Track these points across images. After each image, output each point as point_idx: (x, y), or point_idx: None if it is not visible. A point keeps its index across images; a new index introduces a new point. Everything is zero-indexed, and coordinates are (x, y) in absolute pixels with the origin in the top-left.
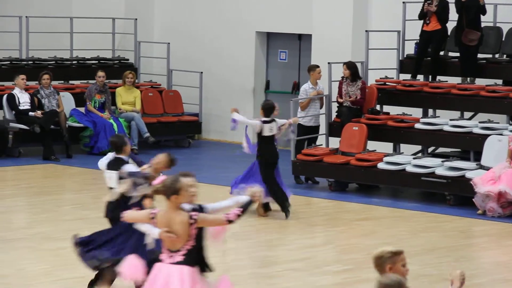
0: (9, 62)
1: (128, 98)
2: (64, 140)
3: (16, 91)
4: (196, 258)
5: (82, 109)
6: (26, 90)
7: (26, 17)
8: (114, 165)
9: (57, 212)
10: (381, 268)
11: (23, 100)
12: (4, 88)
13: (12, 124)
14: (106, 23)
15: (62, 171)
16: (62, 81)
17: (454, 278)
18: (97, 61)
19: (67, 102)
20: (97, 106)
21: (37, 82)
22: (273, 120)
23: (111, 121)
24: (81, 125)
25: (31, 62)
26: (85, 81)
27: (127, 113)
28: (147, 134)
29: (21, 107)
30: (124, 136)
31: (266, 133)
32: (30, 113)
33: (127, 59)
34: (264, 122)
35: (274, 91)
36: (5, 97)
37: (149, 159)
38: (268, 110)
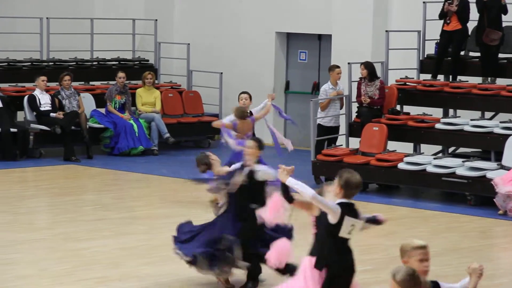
0: (30, 63)
1: (148, 99)
2: (84, 141)
3: (37, 92)
4: None
5: (102, 110)
6: (47, 91)
7: (47, 18)
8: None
9: (78, 212)
10: (401, 259)
11: (44, 101)
12: (25, 90)
13: (33, 125)
14: (126, 24)
15: (82, 172)
16: (83, 82)
17: (472, 271)
18: (117, 62)
19: (88, 103)
20: (117, 107)
21: (57, 83)
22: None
23: (131, 122)
24: (102, 126)
25: (52, 63)
26: (106, 82)
27: (147, 114)
28: (167, 135)
29: (42, 108)
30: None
31: None
32: (51, 114)
33: (147, 60)
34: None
35: (294, 92)
36: (26, 98)
37: (169, 159)
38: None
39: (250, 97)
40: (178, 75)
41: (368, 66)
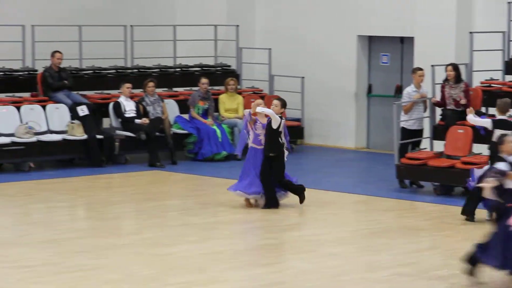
0: (114, 71)
1: (230, 105)
2: (168, 146)
3: (122, 99)
4: None
5: (186, 116)
6: (132, 97)
7: (131, 26)
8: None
9: (164, 218)
10: None
11: (129, 107)
12: (110, 97)
13: (118, 132)
14: (208, 30)
15: (167, 177)
16: (166, 89)
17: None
18: (200, 68)
19: (171, 109)
20: (200, 112)
21: (142, 89)
22: None
23: (215, 127)
24: (185, 131)
25: (136, 70)
26: (189, 88)
27: (230, 120)
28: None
29: (126, 115)
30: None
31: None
32: (136, 120)
33: (229, 66)
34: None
35: (377, 95)
36: (111, 105)
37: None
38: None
39: (282, 104)
40: (259, 80)
41: (456, 68)
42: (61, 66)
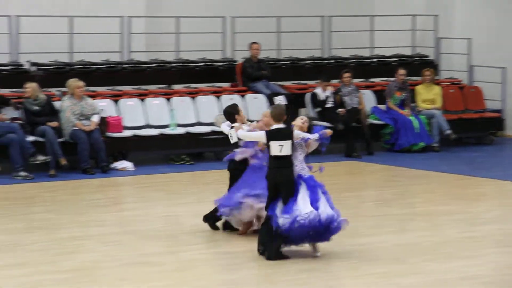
0: (311, 61)
1: (427, 96)
2: (365, 137)
3: (318, 90)
4: None
5: (382, 107)
6: (326, 89)
7: (329, 16)
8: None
9: (361, 208)
10: None
11: (326, 98)
12: (307, 87)
13: (315, 122)
14: (406, 20)
15: (363, 168)
16: (363, 79)
17: None
18: (397, 59)
19: (368, 99)
20: (397, 103)
21: (338, 80)
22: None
23: (412, 118)
24: (382, 122)
25: (333, 60)
26: (385, 79)
27: (428, 110)
28: (449, 131)
29: (325, 106)
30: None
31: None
32: (339, 110)
33: (427, 56)
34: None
35: None
36: (308, 95)
37: (450, 156)
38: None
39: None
40: (459, 71)
41: None
42: (260, 57)
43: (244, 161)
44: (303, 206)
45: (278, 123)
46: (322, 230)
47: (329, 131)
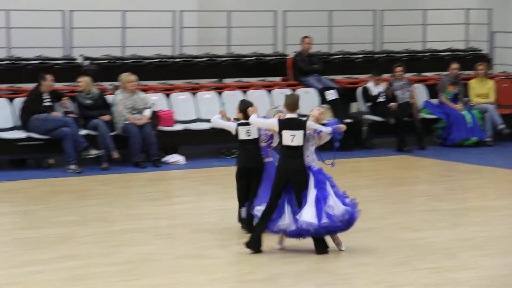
0: (363, 55)
1: (481, 90)
2: (417, 131)
3: (370, 84)
4: None
5: (435, 101)
6: (378, 83)
7: (381, 10)
8: None
9: (412, 203)
10: None
11: (377, 92)
12: (358, 81)
13: (366, 116)
14: (459, 14)
15: (415, 162)
16: (415, 73)
17: None
18: (450, 53)
19: (420, 94)
20: (450, 97)
21: (390, 74)
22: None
23: (465, 112)
24: (434, 116)
25: (385, 54)
26: (438, 73)
27: (481, 105)
28: (502, 126)
29: (376, 100)
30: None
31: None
32: (390, 104)
33: (481, 50)
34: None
35: None
36: (359, 90)
37: (504, 151)
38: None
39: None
40: None
41: None
42: (311, 51)
43: None
44: (310, 215)
45: (292, 112)
46: (336, 228)
47: (343, 126)
